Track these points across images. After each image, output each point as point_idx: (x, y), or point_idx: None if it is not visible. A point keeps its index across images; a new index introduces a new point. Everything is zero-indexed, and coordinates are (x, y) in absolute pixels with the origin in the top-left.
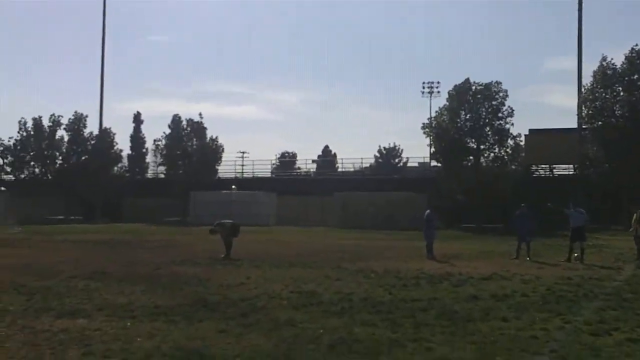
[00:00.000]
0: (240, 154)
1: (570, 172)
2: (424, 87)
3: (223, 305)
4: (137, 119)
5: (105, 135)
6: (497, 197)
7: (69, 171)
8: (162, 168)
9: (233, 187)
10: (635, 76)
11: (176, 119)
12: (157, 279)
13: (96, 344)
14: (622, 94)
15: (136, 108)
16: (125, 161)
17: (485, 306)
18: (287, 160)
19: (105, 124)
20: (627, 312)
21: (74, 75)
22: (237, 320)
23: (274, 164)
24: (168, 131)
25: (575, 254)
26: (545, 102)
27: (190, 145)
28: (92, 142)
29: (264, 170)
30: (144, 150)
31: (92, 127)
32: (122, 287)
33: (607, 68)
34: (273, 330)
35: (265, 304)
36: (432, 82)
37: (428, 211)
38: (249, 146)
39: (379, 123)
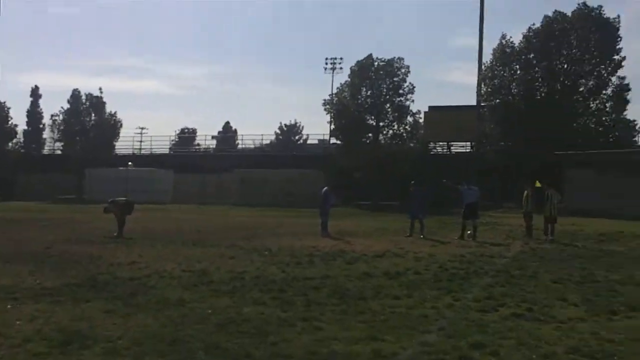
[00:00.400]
0: (139, 130)
1: (468, 150)
2: (326, 63)
3: (112, 284)
4: (35, 93)
5: (0, 110)
6: (395, 175)
7: None
8: (59, 144)
9: (130, 163)
10: (532, 55)
11: (75, 94)
12: (46, 258)
13: None
14: (519, 72)
15: (35, 82)
16: (20, 136)
17: (377, 284)
18: (186, 136)
19: (0, 98)
20: (514, 288)
21: None
22: (125, 300)
23: (173, 140)
24: (67, 106)
25: (468, 232)
26: (447, 79)
27: (89, 120)
28: None
29: (163, 146)
30: (41, 125)
31: None
32: (7, 268)
33: (506, 46)
34: (161, 310)
35: (155, 283)
36: (335, 58)
37: (325, 188)
38: (149, 122)
39: (281, 99)
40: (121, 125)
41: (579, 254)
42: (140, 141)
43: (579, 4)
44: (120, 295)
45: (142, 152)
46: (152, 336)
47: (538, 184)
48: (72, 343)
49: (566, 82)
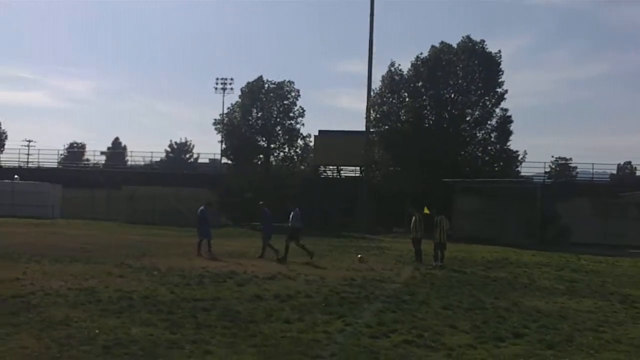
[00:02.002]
0: (26, 142)
1: (357, 174)
2: (217, 83)
3: None
4: None
5: None
6: (286, 196)
7: None
8: None
9: (16, 176)
10: (420, 83)
11: None
12: None
13: None
14: (407, 99)
15: None
16: None
17: (269, 307)
18: (75, 151)
19: None
20: (405, 314)
21: None
22: (5, 319)
23: (61, 155)
24: None
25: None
26: (336, 104)
27: None
28: None
29: (51, 160)
30: None
31: None
32: None
33: (395, 74)
34: (45, 330)
35: (39, 302)
36: (226, 79)
37: (202, 207)
38: (36, 134)
39: (171, 117)
40: (6, 137)
41: (468, 281)
42: (28, 154)
43: (463, 37)
44: (1, 314)
45: (29, 165)
46: (33, 358)
47: (427, 211)
48: None
49: (453, 111)
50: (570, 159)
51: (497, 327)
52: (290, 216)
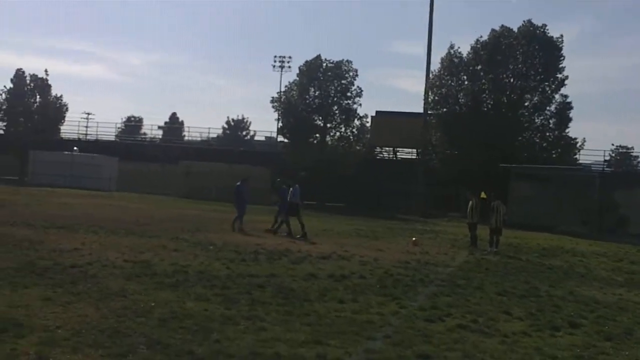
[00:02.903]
0: (85, 115)
1: (413, 157)
2: (275, 61)
3: (52, 271)
4: None
5: None
6: (341, 176)
7: None
8: (1, 124)
9: (75, 148)
10: (479, 67)
11: (19, 74)
12: None
13: None
14: (466, 82)
15: None
16: None
17: (323, 286)
18: (133, 124)
19: None
20: (459, 299)
21: None
22: (65, 288)
23: (119, 128)
24: (10, 86)
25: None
26: (393, 85)
27: (33, 102)
28: None
29: (109, 133)
30: None
31: None
32: None
33: (454, 56)
34: (102, 300)
35: (97, 272)
36: (284, 57)
37: (238, 183)
38: (95, 107)
39: (229, 94)
40: (67, 109)
41: (523, 267)
42: (86, 126)
43: (524, 21)
44: (61, 283)
45: (87, 137)
46: (92, 327)
47: (484, 195)
48: (7, 331)
49: (512, 95)
50: (632, 148)
51: (553, 315)
52: (290, 193)
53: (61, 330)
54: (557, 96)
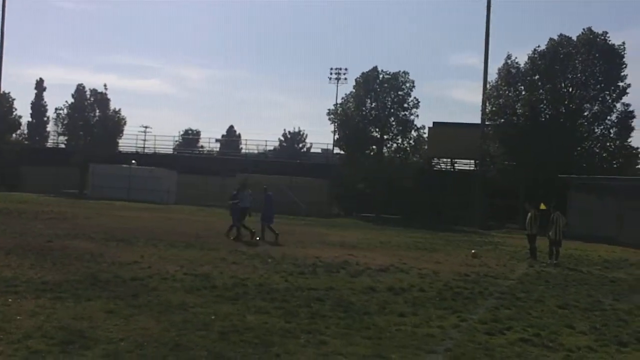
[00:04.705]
0: (143, 129)
1: (471, 168)
2: (331, 73)
3: (113, 283)
4: (40, 86)
5: (4, 100)
6: (398, 188)
7: None
8: (62, 138)
9: (133, 161)
10: (537, 77)
11: (80, 89)
12: (47, 252)
13: None
14: (523, 93)
15: (40, 75)
16: (24, 128)
17: (382, 299)
18: (190, 137)
19: (5, 89)
20: (520, 312)
21: None
22: (126, 301)
23: (176, 141)
24: (71, 101)
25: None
26: (449, 96)
27: (93, 116)
28: None
29: (166, 146)
30: (45, 118)
31: None
32: (9, 260)
33: (511, 66)
34: (163, 313)
35: (157, 285)
36: (340, 69)
37: (270, 193)
38: (152, 121)
39: (285, 107)
40: (125, 123)
41: (584, 280)
42: (144, 140)
43: (584, 29)
44: (122, 296)
45: (145, 150)
46: (154, 340)
47: (543, 206)
48: (73, 342)
49: (571, 105)
50: None
51: (619, 330)
52: (245, 197)
53: (124, 342)
54: (618, 105)
